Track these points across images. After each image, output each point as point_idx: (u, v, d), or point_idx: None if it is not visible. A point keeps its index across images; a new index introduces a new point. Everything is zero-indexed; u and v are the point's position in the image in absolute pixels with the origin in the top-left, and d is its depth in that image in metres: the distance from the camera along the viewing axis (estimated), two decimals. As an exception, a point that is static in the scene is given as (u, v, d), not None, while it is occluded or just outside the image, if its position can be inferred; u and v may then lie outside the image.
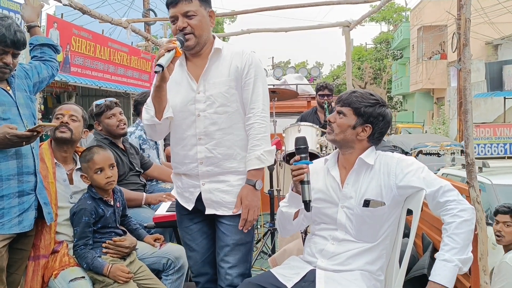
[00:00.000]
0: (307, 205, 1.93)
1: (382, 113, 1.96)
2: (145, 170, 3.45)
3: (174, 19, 2.09)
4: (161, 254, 2.68)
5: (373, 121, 1.95)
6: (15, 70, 2.27)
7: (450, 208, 1.85)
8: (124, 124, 3.20)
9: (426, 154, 9.13)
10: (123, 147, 3.24)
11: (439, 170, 6.86)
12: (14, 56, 2.12)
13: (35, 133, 1.98)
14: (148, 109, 2.15)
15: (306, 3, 4.66)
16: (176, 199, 2.34)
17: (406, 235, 2.20)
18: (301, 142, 1.96)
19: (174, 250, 2.69)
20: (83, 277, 2.27)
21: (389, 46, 37.62)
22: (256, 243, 4.28)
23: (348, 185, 2.00)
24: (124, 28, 4.04)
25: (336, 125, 1.98)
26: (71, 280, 2.23)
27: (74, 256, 2.35)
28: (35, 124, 2.22)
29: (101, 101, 3.19)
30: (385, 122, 1.99)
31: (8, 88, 2.17)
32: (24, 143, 1.98)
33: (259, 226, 4.74)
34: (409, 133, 19.64)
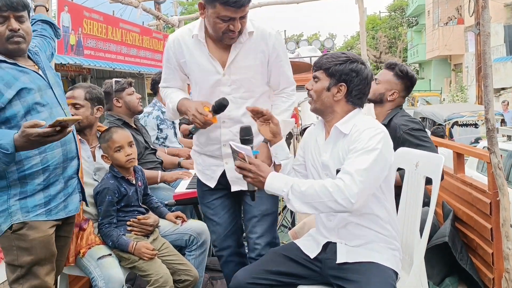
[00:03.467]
0: (252, 195, 1.92)
1: (354, 68, 1.86)
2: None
3: (228, 19, 1.93)
4: (183, 230, 2.72)
5: (346, 79, 1.85)
6: (34, 45, 2.13)
7: (336, 183, 1.73)
8: (140, 102, 3.27)
9: (462, 125, 8.42)
10: (135, 126, 3.27)
11: (478, 142, 6.49)
12: (19, 20, 1.92)
13: (59, 129, 1.70)
14: (173, 113, 2.19)
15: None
16: (196, 176, 2.36)
17: (426, 203, 2.20)
18: (244, 133, 1.89)
19: (196, 227, 2.73)
20: (110, 254, 2.33)
21: (403, 13, 36.77)
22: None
23: (326, 153, 1.93)
24: (135, 7, 4.02)
25: (313, 92, 1.91)
26: (99, 258, 2.28)
27: (99, 235, 2.41)
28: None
29: (119, 79, 3.25)
30: (361, 78, 1.87)
31: (37, 67, 2.03)
32: (49, 139, 1.71)
33: (280, 199, 4.76)
34: (427, 101, 19.32)
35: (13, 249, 1.88)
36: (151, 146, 3.33)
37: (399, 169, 2.31)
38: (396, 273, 1.87)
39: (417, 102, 19.99)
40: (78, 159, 2.09)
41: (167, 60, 2.20)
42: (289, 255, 1.99)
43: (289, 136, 3.67)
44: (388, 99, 2.72)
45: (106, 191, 2.37)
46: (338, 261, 1.86)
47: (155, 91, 4.13)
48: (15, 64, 1.93)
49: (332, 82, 1.86)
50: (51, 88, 2.02)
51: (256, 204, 2.14)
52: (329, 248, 1.95)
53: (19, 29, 1.91)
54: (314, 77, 1.92)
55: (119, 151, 2.42)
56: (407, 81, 2.73)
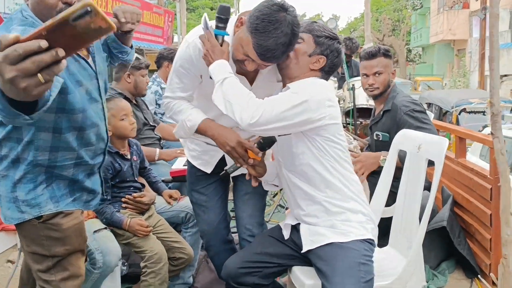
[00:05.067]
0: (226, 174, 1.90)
1: (338, 48, 1.85)
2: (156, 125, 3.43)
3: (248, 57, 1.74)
4: (180, 208, 2.70)
5: (329, 54, 1.82)
6: None
7: (255, 101, 1.71)
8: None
9: (470, 112, 8.06)
10: (135, 102, 3.22)
11: (484, 128, 6.30)
12: None
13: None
14: (186, 132, 1.95)
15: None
16: (188, 161, 2.25)
17: (426, 188, 2.16)
18: (221, 11, 1.76)
19: (192, 204, 2.70)
20: (106, 228, 2.30)
21: (408, -5, 36.27)
22: (273, 196, 4.31)
23: None
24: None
25: (292, 51, 1.79)
26: (95, 231, 2.24)
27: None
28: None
29: (141, 57, 3.20)
30: (339, 60, 1.86)
31: (86, 53, 1.73)
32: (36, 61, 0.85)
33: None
34: (428, 86, 19.18)
35: (42, 238, 1.69)
36: (150, 123, 3.29)
37: (400, 151, 2.28)
38: (369, 241, 1.80)
39: (419, 86, 19.87)
40: (104, 154, 1.89)
41: (186, 67, 1.87)
42: (275, 236, 1.97)
43: None
44: (391, 80, 2.74)
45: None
46: (303, 250, 1.83)
47: (159, 65, 4.08)
48: None
49: (316, 50, 1.81)
50: (97, 78, 1.76)
51: (248, 182, 2.07)
52: (298, 228, 1.92)
53: (74, 2, 1.56)
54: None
55: (124, 119, 2.38)
56: (391, 56, 2.83)
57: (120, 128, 2.38)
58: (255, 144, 1.83)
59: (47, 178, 1.68)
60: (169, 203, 2.67)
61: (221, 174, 1.94)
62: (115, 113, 2.35)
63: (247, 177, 1.98)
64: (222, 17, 1.75)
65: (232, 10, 1.90)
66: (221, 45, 1.77)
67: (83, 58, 1.68)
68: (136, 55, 3.08)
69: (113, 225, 2.31)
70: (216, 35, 1.76)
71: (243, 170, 2.06)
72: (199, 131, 1.89)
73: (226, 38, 1.78)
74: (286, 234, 1.96)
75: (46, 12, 1.54)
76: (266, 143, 1.83)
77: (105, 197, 2.30)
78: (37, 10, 1.56)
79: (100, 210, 2.30)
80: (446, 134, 4.93)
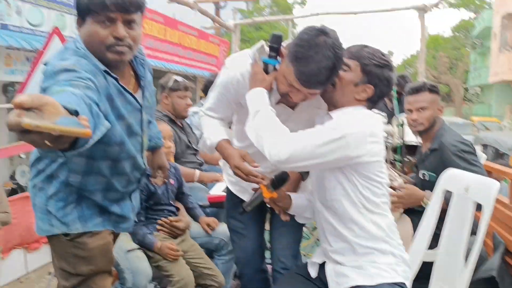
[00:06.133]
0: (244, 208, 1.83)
1: (389, 76, 1.71)
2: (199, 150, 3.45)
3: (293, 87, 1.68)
4: (214, 234, 2.67)
5: (377, 83, 1.69)
6: (140, 51, 1.73)
7: (286, 133, 1.63)
8: (189, 109, 3.24)
9: None
10: (180, 125, 3.26)
11: None
12: (129, 25, 1.51)
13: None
14: (208, 149, 1.96)
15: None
16: (227, 187, 2.22)
17: (474, 232, 2.02)
18: (273, 40, 1.71)
19: (228, 231, 2.66)
20: (139, 248, 2.31)
21: (468, 34, 35.47)
22: (313, 230, 4.20)
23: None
24: (191, 8, 4.06)
25: (337, 79, 1.69)
26: (128, 251, 2.25)
27: None
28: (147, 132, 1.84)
29: (180, 79, 3.23)
30: (389, 88, 1.73)
31: (135, 85, 1.69)
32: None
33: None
34: (485, 127, 18.43)
35: (68, 255, 1.69)
36: (193, 146, 3.31)
37: (446, 192, 2.15)
38: (400, 285, 1.65)
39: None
40: (139, 182, 1.86)
41: (223, 93, 1.87)
42: (304, 274, 1.87)
43: None
44: (438, 117, 2.62)
45: None
46: None
47: (206, 91, 4.14)
48: (117, 79, 1.57)
49: (363, 79, 1.70)
50: (141, 112, 1.71)
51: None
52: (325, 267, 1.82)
53: (126, 37, 1.51)
54: (344, 64, 1.69)
55: None
56: (438, 92, 2.67)
57: None
58: (269, 183, 1.77)
59: (78, 198, 1.68)
60: (206, 231, 2.65)
61: (240, 212, 1.89)
62: None
63: (276, 211, 1.93)
64: (274, 46, 1.72)
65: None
66: (268, 73, 1.73)
67: (130, 93, 1.63)
68: (174, 77, 3.16)
69: (144, 246, 2.31)
70: (266, 64, 1.73)
71: None
72: (217, 150, 1.89)
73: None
74: (313, 272, 1.86)
75: (96, 46, 1.51)
76: (279, 181, 1.77)
77: (139, 218, 2.31)
78: (87, 42, 1.53)
79: (133, 231, 2.31)
80: (504, 179, 4.66)
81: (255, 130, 1.66)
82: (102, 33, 1.49)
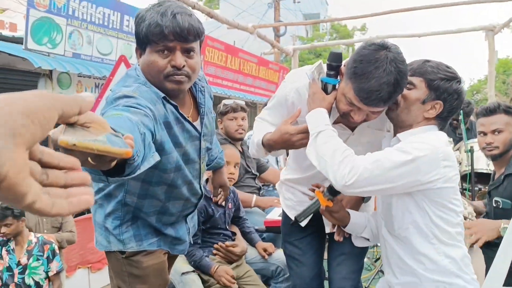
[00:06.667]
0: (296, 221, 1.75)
1: (458, 89, 1.58)
2: (260, 173, 3.42)
3: (355, 106, 1.60)
4: (271, 260, 2.61)
5: (447, 98, 1.57)
6: (200, 78, 1.72)
7: (351, 158, 1.53)
8: (243, 129, 3.21)
9: None
10: (241, 150, 3.26)
11: None
12: (187, 53, 1.50)
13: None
14: (256, 148, 1.88)
15: (442, 3, 4.28)
16: (283, 211, 2.15)
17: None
18: (331, 58, 1.65)
19: (285, 258, 2.59)
20: (194, 271, 2.29)
21: (542, 57, 33.53)
22: (375, 261, 4.00)
23: None
24: (250, 33, 4.11)
25: (401, 97, 1.60)
26: (183, 273, 2.25)
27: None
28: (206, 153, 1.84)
29: (230, 101, 3.25)
30: (459, 101, 1.60)
31: (195, 113, 1.70)
32: None
33: (378, 244, 4.44)
34: None
35: (124, 274, 1.72)
36: (252, 171, 3.29)
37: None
38: None
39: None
40: (195, 207, 1.87)
41: (279, 109, 1.84)
42: None
43: None
44: None
45: None
46: None
47: None
48: (176, 107, 1.57)
49: (430, 96, 1.59)
50: (200, 140, 1.70)
51: (346, 241, 1.93)
52: None
53: (184, 66, 1.50)
54: (408, 82, 1.61)
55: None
56: None
57: None
58: (325, 189, 1.70)
59: (133, 217, 1.70)
60: (263, 256, 2.59)
61: (291, 223, 1.82)
62: None
63: (329, 229, 1.84)
64: (333, 64, 1.66)
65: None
66: (329, 93, 1.67)
67: (189, 121, 1.62)
68: (224, 101, 3.18)
69: (200, 268, 2.29)
70: (325, 83, 1.68)
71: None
72: (265, 145, 1.80)
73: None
74: None
75: (155, 75, 1.52)
76: (334, 190, 1.67)
77: (196, 240, 2.29)
78: (147, 72, 1.54)
79: (190, 253, 2.30)
80: None
81: (317, 152, 1.58)
82: (161, 62, 1.49)
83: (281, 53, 9.40)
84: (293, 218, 2.06)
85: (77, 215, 5.63)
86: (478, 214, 2.76)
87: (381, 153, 1.56)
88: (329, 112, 1.68)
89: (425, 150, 1.49)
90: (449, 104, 1.60)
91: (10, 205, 2.90)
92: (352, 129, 1.79)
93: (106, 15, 6.49)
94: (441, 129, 1.66)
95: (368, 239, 1.89)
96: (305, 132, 1.65)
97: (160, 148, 1.48)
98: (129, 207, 1.68)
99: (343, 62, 1.67)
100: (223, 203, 2.45)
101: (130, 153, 0.70)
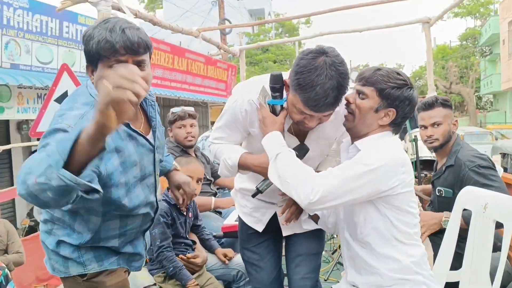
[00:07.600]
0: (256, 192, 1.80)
1: (409, 96, 1.64)
2: (216, 178, 3.43)
3: (305, 114, 1.64)
4: (231, 265, 2.63)
5: (398, 105, 1.64)
6: (151, 93, 1.73)
7: (312, 174, 1.61)
8: (193, 136, 3.19)
9: None
10: (194, 156, 3.25)
11: None
12: (139, 65, 1.49)
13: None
14: (230, 170, 1.88)
15: (381, 0, 4.44)
16: (239, 217, 2.18)
17: (499, 248, 1.96)
18: (273, 81, 1.69)
19: (244, 261, 2.63)
20: (155, 284, 2.28)
21: (476, 42, 35.33)
22: (332, 253, 4.12)
23: None
24: (195, 37, 4.10)
25: (357, 108, 1.66)
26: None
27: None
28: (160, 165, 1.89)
29: (177, 109, 3.22)
30: (411, 106, 1.67)
31: (146, 127, 1.70)
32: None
33: (335, 236, 4.56)
34: (502, 135, 18.16)
35: None
36: (207, 177, 3.29)
37: (464, 210, 2.09)
38: None
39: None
40: (152, 221, 1.86)
41: (232, 122, 1.85)
42: None
43: None
44: (453, 132, 2.57)
45: (159, 212, 2.32)
46: None
47: None
48: (128, 125, 1.58)
49: (382, 104, 1.64)
50: (154, 152, 1.72)
51: (302, 242, 1.99)
52: None
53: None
54: (360, 92, 1.66)
55: None
56: (451, 106, 2.63)
57: None
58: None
59: (92, 240, 1.66)
60: (223, 262, 2.62)
61: (252, 194, 1.84)
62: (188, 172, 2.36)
63: (279, 214, 1.89)
64: (276, 86, 1.70)
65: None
66: (278, 114, 1.72)
67: (142, 135, 1.64)
68: (172, 109, 3.17)
69: (177, 278, 2.29)
70: (273, 106, 1.72)
71: (294, 229, 1.98)
72: (240, 166, 1.83)
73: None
74: None
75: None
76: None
77: (169, 244, 2.32)
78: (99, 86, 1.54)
79: (170, 258, 2.31)
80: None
81: (278, 174, 1.63)
82: None
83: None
84: (250, 225, 2.09)
85: (26, 234, 5.43)
86: (428, 195, 2.93)
87: (341, 167, 1.61)
88: (282, 132, 1.73)
89: (384, 159, 1.55)
90: (402, 110, 1.66)
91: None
92: (302, 141, 1.83)
93: (44, 23, 6.26)
94: (395, 134, 1.74)
95: (316, 222, 1.94)
96: None
97: (110, 178, 1.50)
98: (85, 233, 1.64)
99: (288, 72, 1.71)
100: (185, 212, 2.46)
101: None
